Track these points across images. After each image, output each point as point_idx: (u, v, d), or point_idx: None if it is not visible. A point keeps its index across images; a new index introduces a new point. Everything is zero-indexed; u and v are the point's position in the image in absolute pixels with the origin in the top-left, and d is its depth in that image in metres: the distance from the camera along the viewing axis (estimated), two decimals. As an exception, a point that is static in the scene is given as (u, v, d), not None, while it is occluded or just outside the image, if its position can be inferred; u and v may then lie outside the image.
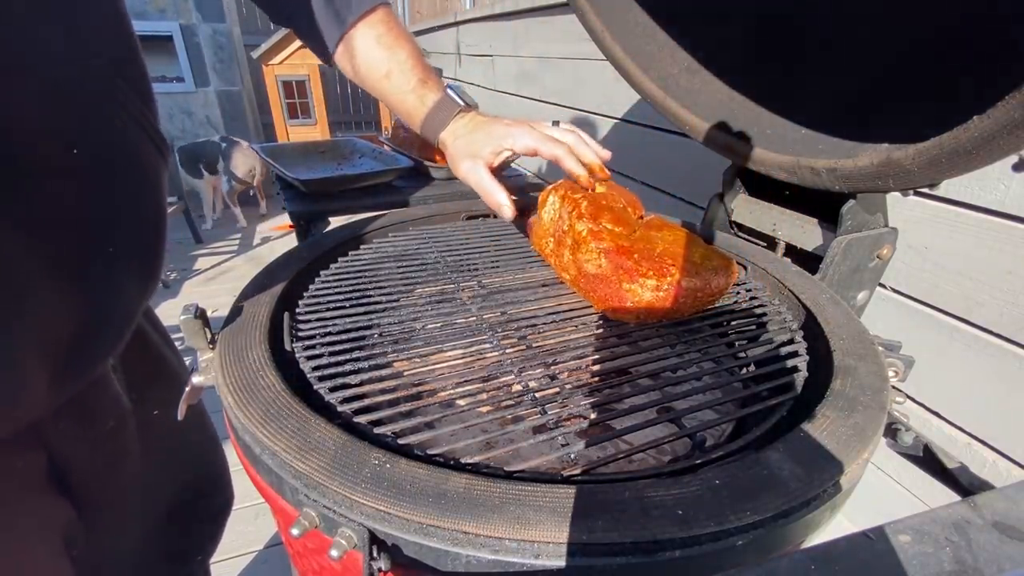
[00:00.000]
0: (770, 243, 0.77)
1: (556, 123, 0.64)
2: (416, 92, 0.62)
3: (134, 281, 0.43)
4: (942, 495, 0.35)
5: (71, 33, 0.36)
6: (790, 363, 0.49)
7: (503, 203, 0.61)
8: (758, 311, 0.59)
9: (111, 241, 0.39)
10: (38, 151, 0.33)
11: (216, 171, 3.34)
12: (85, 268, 0.37)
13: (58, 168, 0.34)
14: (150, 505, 0.60)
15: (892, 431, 0.44)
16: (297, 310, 0.55)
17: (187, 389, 0.47)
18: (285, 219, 3.23)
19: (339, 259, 0.68)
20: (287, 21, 0.62)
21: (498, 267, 0.69)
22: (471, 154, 0.61)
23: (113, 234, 0.39)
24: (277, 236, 3.35)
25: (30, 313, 0.34)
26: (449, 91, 0.63)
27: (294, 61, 3.25)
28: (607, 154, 0.64)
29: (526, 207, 0.67)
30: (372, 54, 0.61)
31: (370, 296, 0.59)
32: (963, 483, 0.39)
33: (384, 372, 0.46)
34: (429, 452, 0.37)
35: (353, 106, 4.88)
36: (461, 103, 0.63)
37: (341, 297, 0.58)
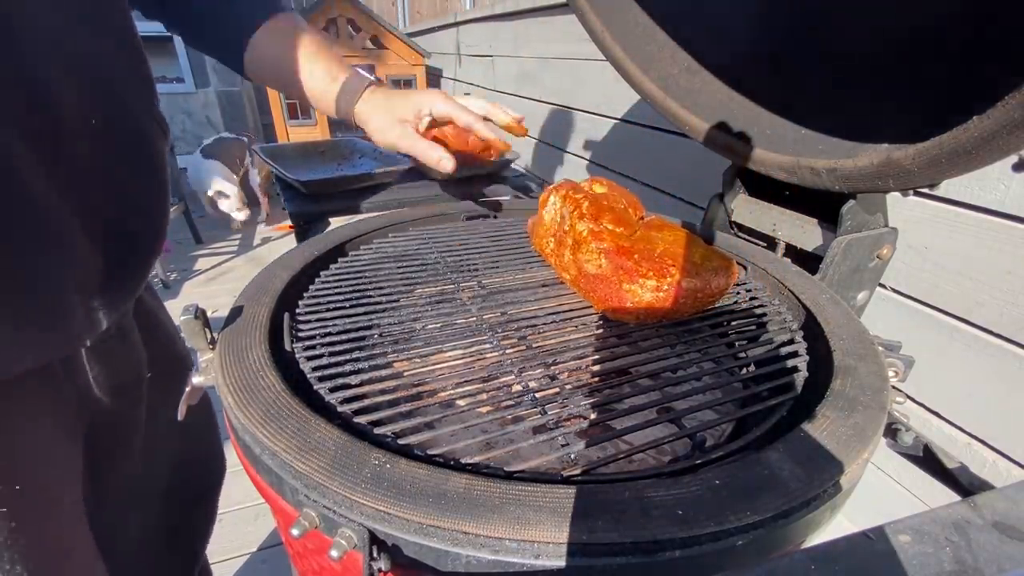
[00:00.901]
0: (770, 243, 0.77)
1: (467, 95, 0.69)
2: (326, 72, 0.64)
3: (145, 236, 0.50)
4: (942, 495, 0.35)
5: (88, 25, 0.42)
6: (790, 363, 0.49)
7: (442, 156, 0.63)
8: (758, 311, 0.59)
9: (125, 199, 0.46)
10: (70, 122, 0.40)
11: (244, 166, 3.34)
12: (106, 219, 0.44)
13: (83, 135, 0.41)
14: (153, 480, 0.63)
15: (892, 431, 0.44)
16: (297, 310, 0.55)
17: (187, 389, 0.47)
18: (285, 219, 3.23)
19: (339, 259, 0.69)
20: (200, 45, 0.65)
21: (498, 267, 0.69)
22: (397, 120, 0.64)
23: (126, 193, 0.47)
24: (277, 236, 3.35)
25: (68, 252, 0.41)
26: (358, 70, 0.66)
27: (294, 61, 3.24)
28: (519, 115, 0.70)
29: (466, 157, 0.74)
30: (276, 51, 0.63)
31: (370, 296, 0.59)
32: (963, 483, 0.39)
33: (384, 372, 0.46)
34: (429, 452, 0.37)
35: (353, 106, 4.88)
36: (371, 77, 0.66)
37: (341, 297, 0.58)
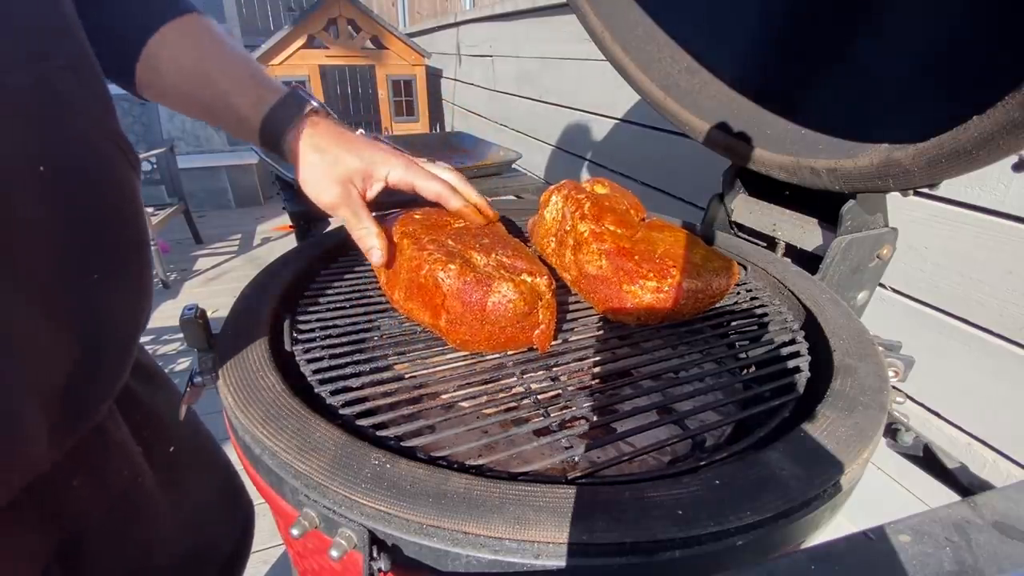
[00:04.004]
0: (770, 243, 0.77)
1: (434, 162, 0.57)
2: (250, 88, 0.50)
3: (124, 305, 0.39)
4: (942, 495, 0.35)
5: (19, 37, 0.31)
6: (791, 363, 0.49)
7: (375, 247, 0.51)
8: (759, 311, 0.59)
9: (93, 265, 0.35)
10: (3, 173, 0.29)
11: None
12: (71, 297, 0.34)
13: (27, 190, 0.30)
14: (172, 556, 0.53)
15: (892, 431, 0.44)
16: (297, 310, 0.55)
17: (187, 389, 0.47)
18: (285, 219, 3.23)
19: (339, 259, 0.69)
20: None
21: (498, 267, 0.69)
22: (340, 178, 0.49)
23: (95, 257, 0.35)
24: (277, 236, 3.35)
25: (19, 353, 0.31)
26: (298, 90, 0.52)
27: (294, 62, 3.25)
28: (486, 206, 0.59)
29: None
30: (182, 63, 0.48)
31: (370, 296, 0.59)
32: (963, 483, 0.39)
33: (385, 375, 0.46)
34: (431, 455, 0.37)
35: (353, 106, 4.88)
36: (314, 102, 0.51)
37: (341, 297, 0.58)
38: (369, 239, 0.51)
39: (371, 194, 0.52)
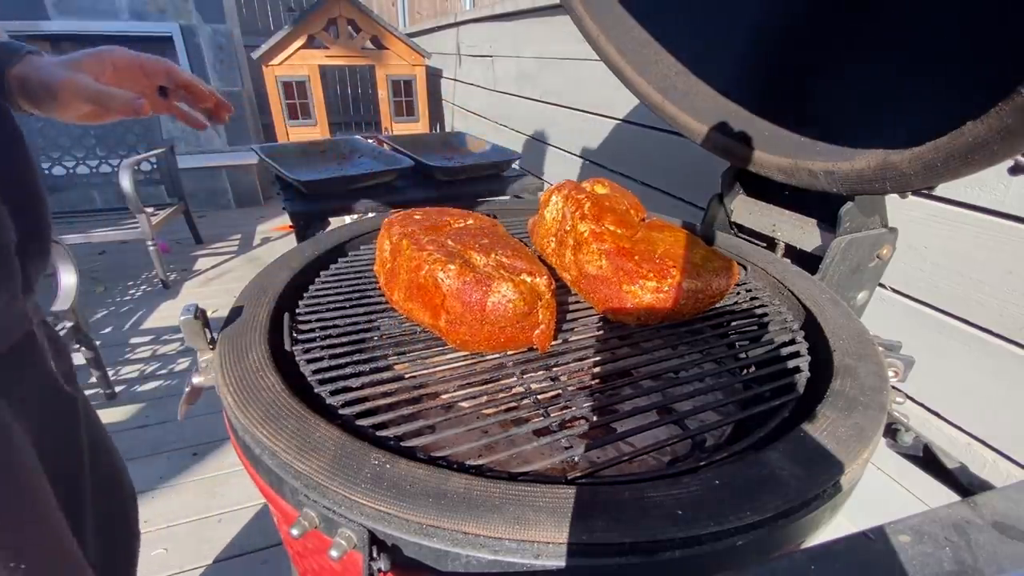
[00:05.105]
0: (770, 243, 0.77)
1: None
2: None
3: (30, 211, 0.50)
4: (942, 495, 0.35)
5: None
6: (791, 363, 0.49)
7: (128, 95, 0.51)
8: (759, 311, 0.59)
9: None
10: None
11: None
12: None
13: None
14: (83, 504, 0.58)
15: (892, 431, 0.44)
16: (297, 310, 0.55)
17: (187, 390, 0.47)
18: (285, 219, 3.23)
19: (339, 259, 0.69)
20: None
21: (498, 267, 0.69)
22: (70, 67, 0.52)
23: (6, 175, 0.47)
24: (277, 236, 3.35)
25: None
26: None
27: (294, 62, 3.24)
28: (219, 96, 0.64)
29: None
30: None
31: (370, 296, 0.59)
32: (963, 483, 0.39)
33: (385, 375, 0.46)
34: (431, 454, 0.37)
35: (353, 106, 4.88)
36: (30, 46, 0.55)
37: (341, 298, 0.58)
38: (117, 93, 0.51)
39: (104, 76, 0.55)
